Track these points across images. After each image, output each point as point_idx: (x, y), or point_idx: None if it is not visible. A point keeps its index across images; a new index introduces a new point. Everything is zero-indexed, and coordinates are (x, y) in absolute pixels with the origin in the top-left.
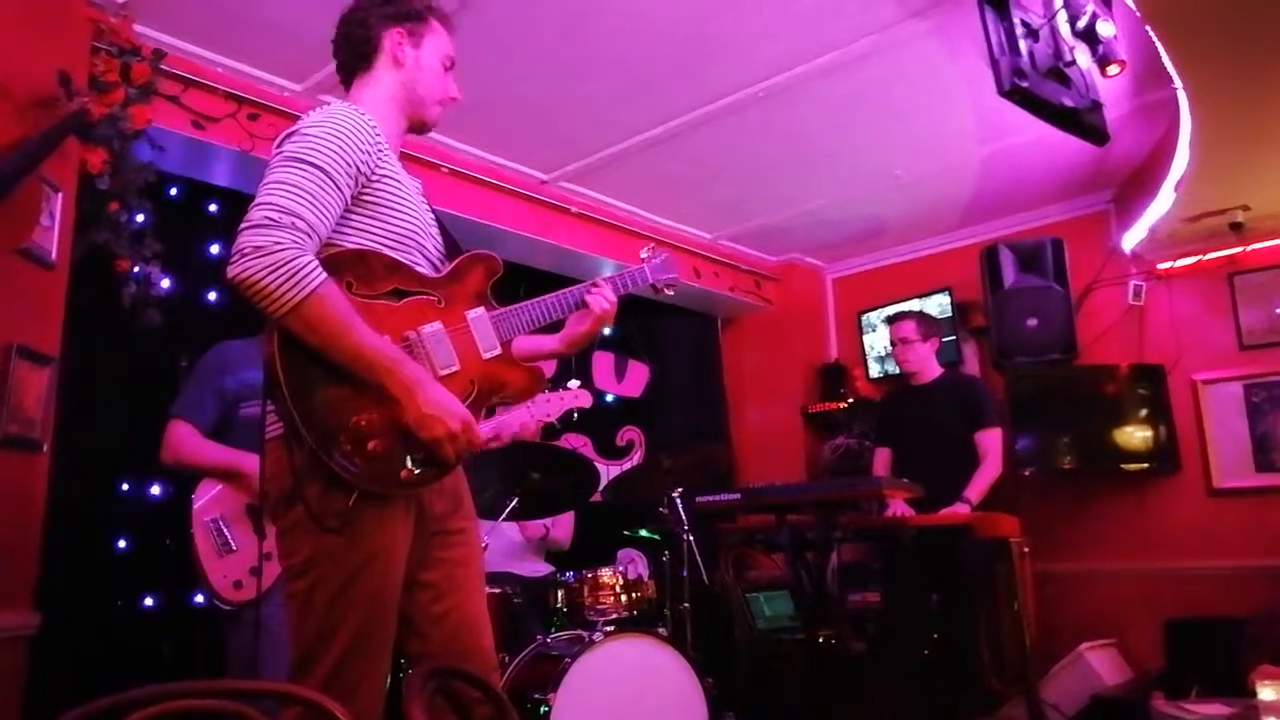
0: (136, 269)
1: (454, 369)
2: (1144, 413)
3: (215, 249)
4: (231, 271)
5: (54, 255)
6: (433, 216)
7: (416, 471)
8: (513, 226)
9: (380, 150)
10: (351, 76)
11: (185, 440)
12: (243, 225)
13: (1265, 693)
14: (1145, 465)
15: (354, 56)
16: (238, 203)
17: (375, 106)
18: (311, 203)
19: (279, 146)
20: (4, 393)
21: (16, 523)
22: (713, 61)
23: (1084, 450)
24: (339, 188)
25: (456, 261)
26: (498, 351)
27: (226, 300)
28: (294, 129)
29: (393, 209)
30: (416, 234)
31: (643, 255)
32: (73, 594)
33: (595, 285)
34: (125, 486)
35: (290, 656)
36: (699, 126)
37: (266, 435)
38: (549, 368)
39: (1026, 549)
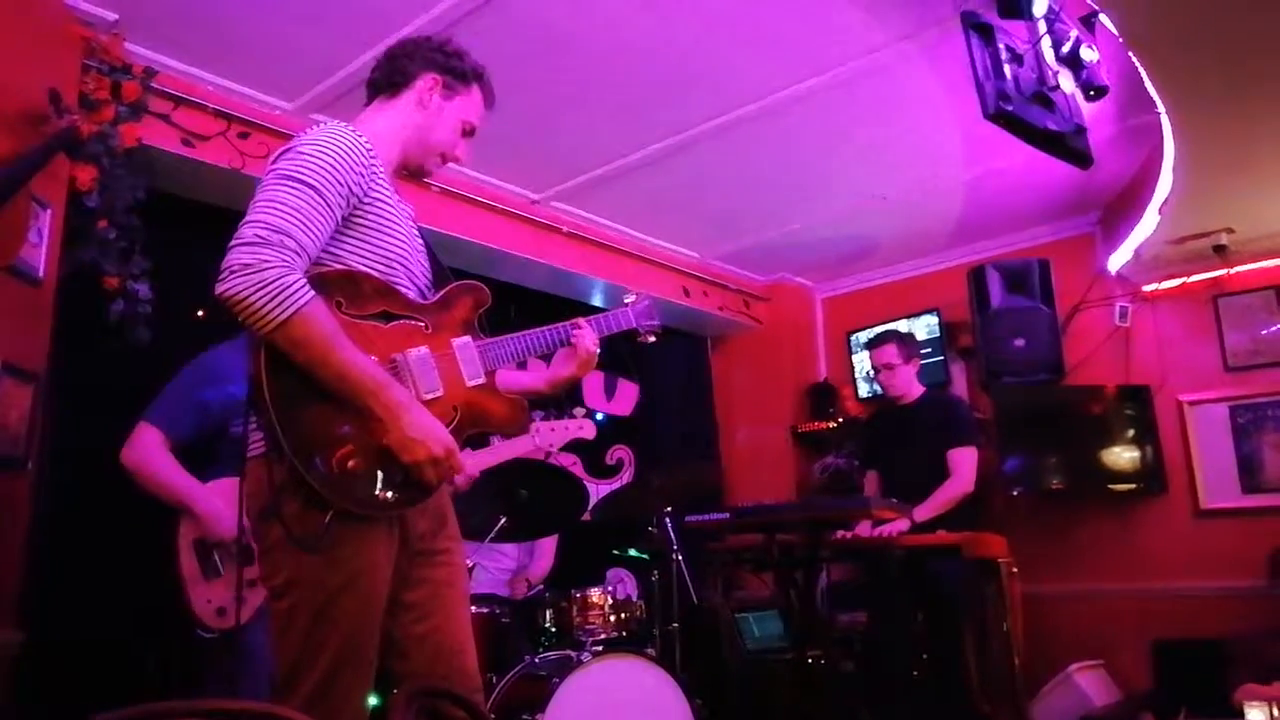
0: (124, 286)
1: (438, 394)
2: (1131, 433)
3: (204, 267)
4: (219, 289)
5: (41, 272)
6: (422, 243)
7: (394, 493)
8: (503, 246)
9: (374, 173)
10: (375, 96)
11: (147, 450)
12: (232, 243)
13: (1253, 714)
14: (1132, 486)
15: (386, 80)
16: (228, 221)
17: (380, 133)
18: (302, 221)
19: (273, 164)
20: None
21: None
22: (702, 83)
23: (1072, 471)
24: (330, 207)
25: (446, 290)
26: (482, 380)
27: (214, 318)
28: (288, 147)
29: (381, 232)
30: (404, 259)
31: (627, 300)
32: (57, 612)
33: (577, 326)
34: (111, 504)
35: (273, 676)
36: (689, 147)
37: (249, 454)
38: None
39: (1015, 569)
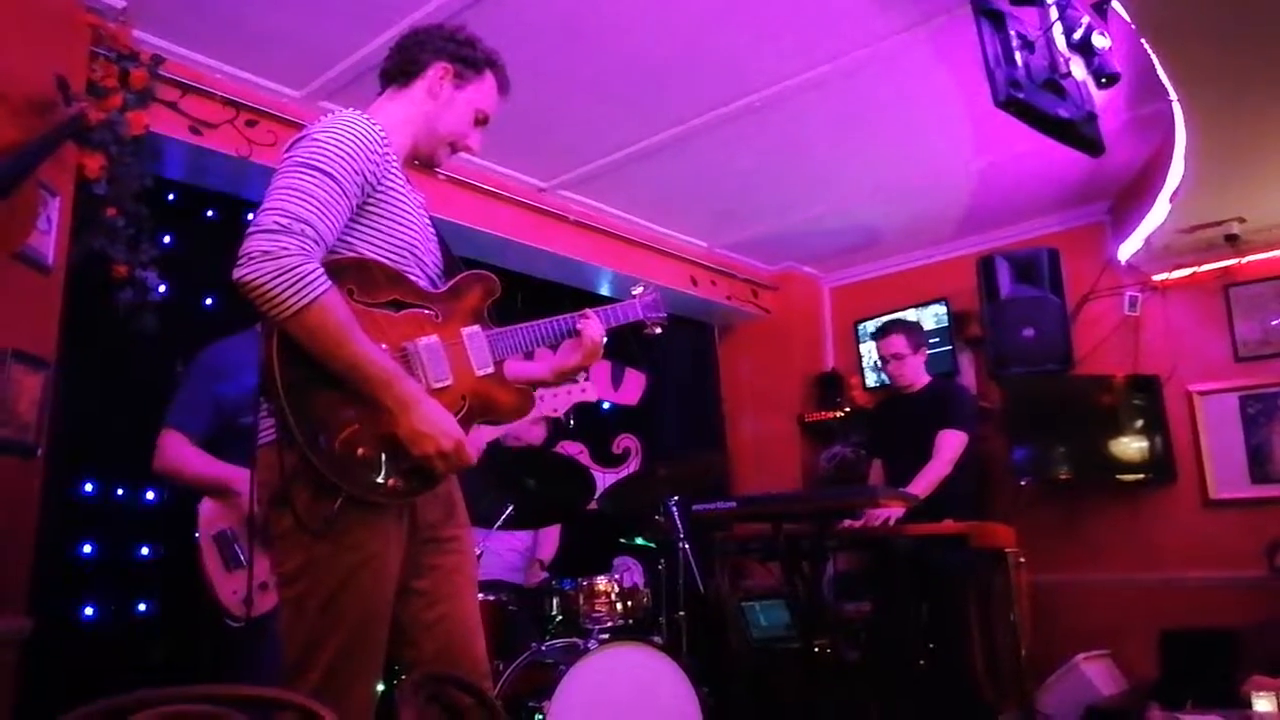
0: (133, 273)
1: (447, 383)
2: (1140, 423)
3: (212, 255)
4: (238, 274)
5: (50, 259)
6: (434, 232)
7: (401, 482)
8: (510, 234)
9: (388, 160)
10: (387, 85)
11: (175, 450)
12: (251, 229)
13: (1260, 704)
14: (1141, 476)
15: (398, 69)
16: (235, 208)
17: (391, 122)
18: (320, 209)
19: (289, 151)
20: None
21: (9, 526)
22: (710, 71)
23: (1080, 461)
24: (346, 195)
25: (457, 279)
26: (491, 370)
27: (222, 306)
28: (304, 134)
29: (394, 220)
30: (415, 247)
31: (635, 291)
32: (66, 599)
33: (584, 316)
34: (120, 491)
35: (283, 662)
36: (697, 135)
37: (260, 441)
38: None
39: (1022, 559)
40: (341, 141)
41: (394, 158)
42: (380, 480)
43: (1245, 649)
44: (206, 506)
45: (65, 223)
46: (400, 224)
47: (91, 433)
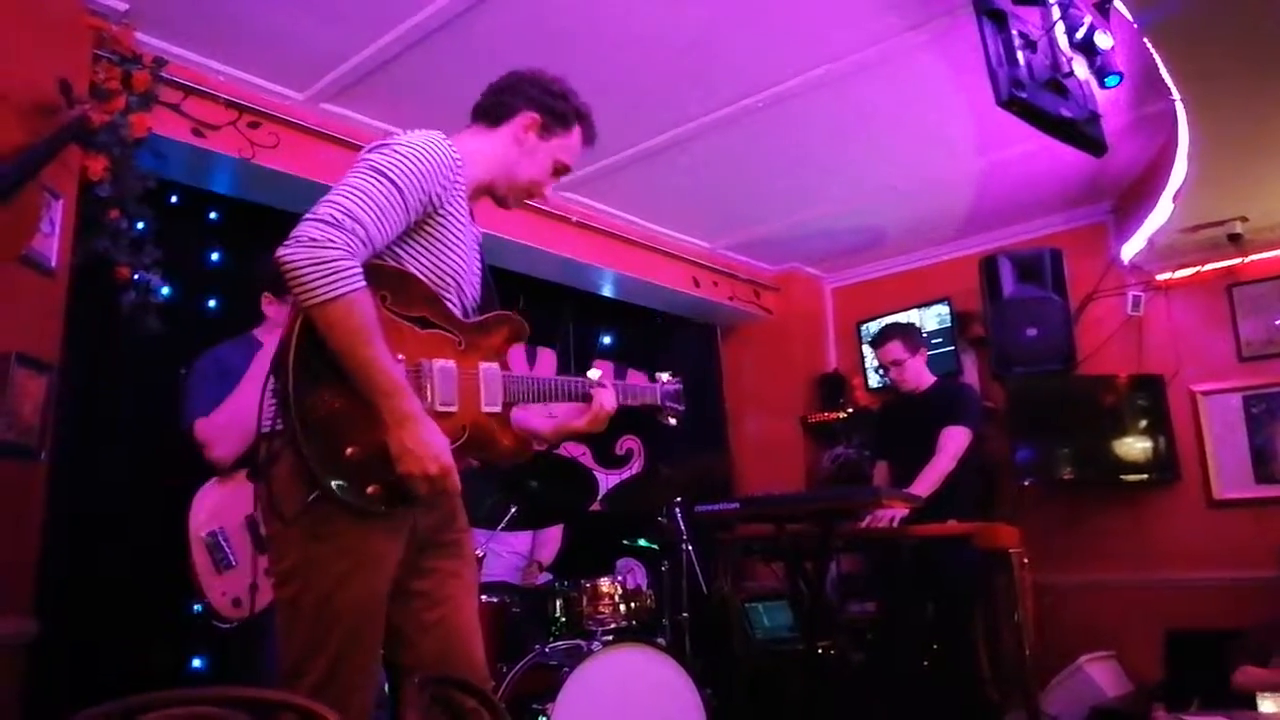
0: (136, 276)
1: (452, 409)
2: (1143, 423)
3: (215, 256)
4: (280, 252)
5: (54, 262)
6: (480, 266)
7: (383, 492)
8: (512, 235)
9: (456, 188)
10: (476, 120)
11: (220, 429)
12: (307, 215)
13: (1266, 705)
14: (1145, 476)
15: (489, 108)
16: (238, 210)
17: (471, 155)
18: (377, 214)
19: (367, 153)
20: (2, 399)
21: (14, 530)
22: (713, 72)
23: (1083, 461)
24: (406, 208)
25: (487, 315)
26: (498, 410)
27: (225, 308)
28: (386, 141)
29: (445, 245)
30: (459, 276)
31: (661, 377)
32: (73, 603)
33: (602, 385)
34: (123, 492)
35: (281, 664)
36: (699, 136)
37: (262, 429)
38: None
39: (1026, 559)
40: (417, 157)
41: (463, 187)
42: (359, 485)
43: (1250, 649)
44: (197, 508)
45: (68, 225)
46: (450, 250)
47: (96, 436)
